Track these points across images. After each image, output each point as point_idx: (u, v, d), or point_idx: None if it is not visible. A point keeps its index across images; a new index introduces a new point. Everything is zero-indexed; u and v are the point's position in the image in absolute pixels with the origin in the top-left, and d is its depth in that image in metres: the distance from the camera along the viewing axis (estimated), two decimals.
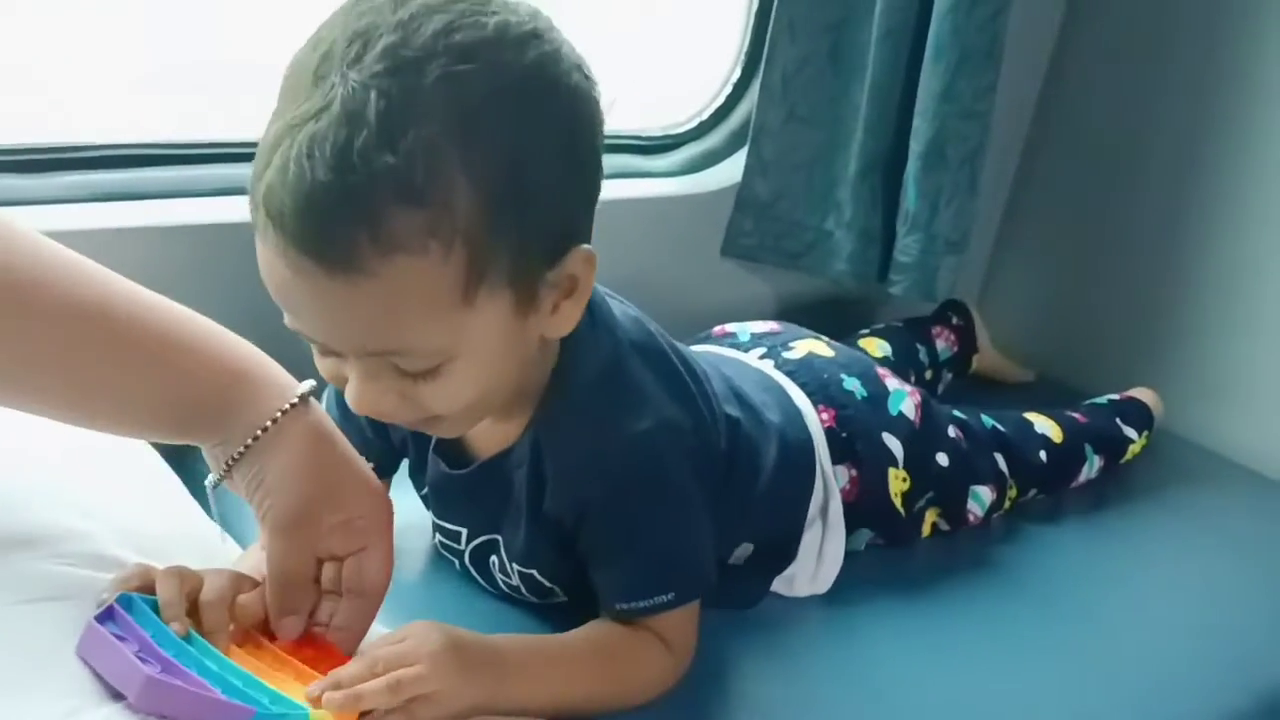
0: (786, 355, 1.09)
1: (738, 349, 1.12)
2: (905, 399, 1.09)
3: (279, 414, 0.70)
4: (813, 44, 1.35)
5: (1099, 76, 1.56)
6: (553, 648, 0.81)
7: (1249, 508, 1.30)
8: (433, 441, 0.86)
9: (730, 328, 1.17)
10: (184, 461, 0.94)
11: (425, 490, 0.91)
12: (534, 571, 0.86)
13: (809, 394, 1.04)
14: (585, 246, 0.71)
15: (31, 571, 0.69)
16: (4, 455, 0.79)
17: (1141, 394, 1.38)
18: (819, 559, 1.00)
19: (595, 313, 0.80)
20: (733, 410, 0.92)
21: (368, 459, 0.86)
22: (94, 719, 0.60)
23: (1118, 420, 1.32)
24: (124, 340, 0.67)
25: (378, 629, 0.76)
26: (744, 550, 0.96)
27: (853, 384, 1.07)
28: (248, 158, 1.13)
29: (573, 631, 0.83)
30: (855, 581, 1.01)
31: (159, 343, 0.68)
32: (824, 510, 1.01)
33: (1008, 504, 1.18)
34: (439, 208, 0.62)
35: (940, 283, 1.39)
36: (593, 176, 0.72)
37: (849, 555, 1.02)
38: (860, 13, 1.33)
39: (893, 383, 1.11)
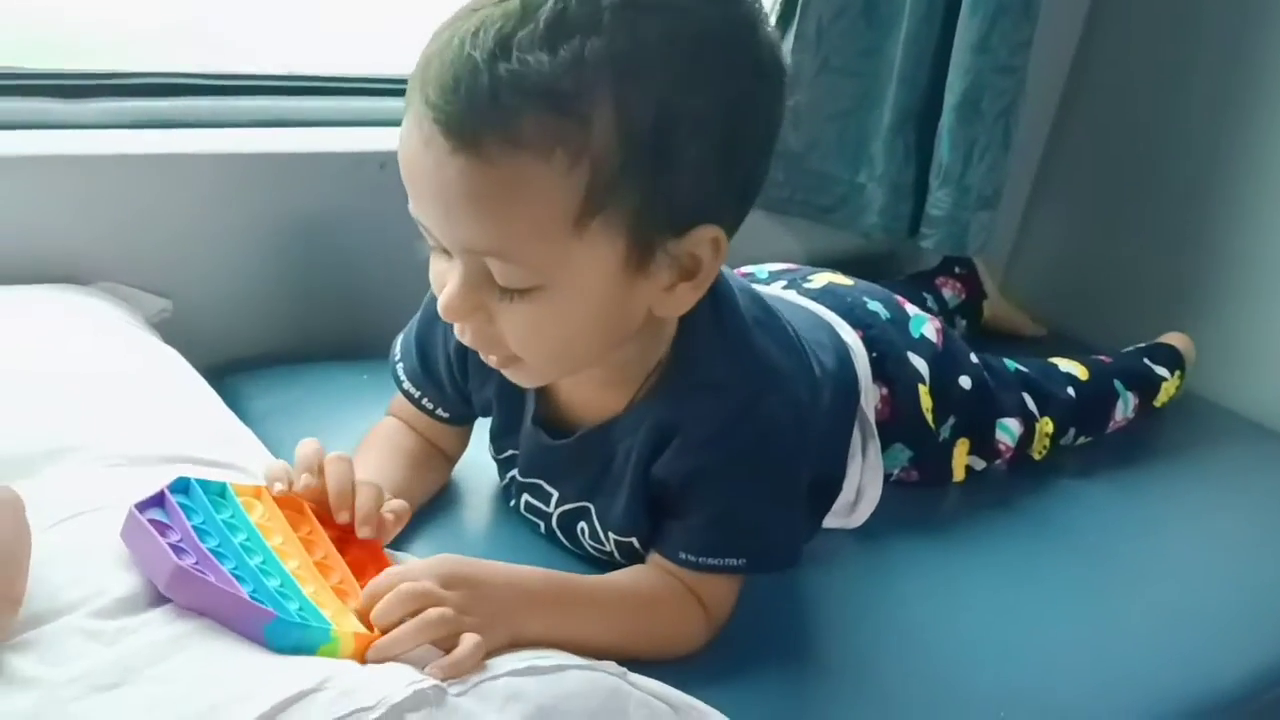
0: (807, 285, 1.10)
1: (758, 285, 1.10)
2: (926, 323, 1.10)
3: None
4: None
5: (1135, 33, 1.55)
6: (584, 589, 0.79)
7: (1274, 468, 1.30)
8: (530, 412, 0.85)
9: (748, 269, 1.17)
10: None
11: (507, 454, 0.90)
12: (633, 540, 0.85)
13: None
14: (716, 228, 0.70)
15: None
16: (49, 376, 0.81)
17: (1171, 338, 1.38)
18: (857, 494, 1.00)
19: (716, 289, 0.77)
20: (817, 368, 0.90)
21: (440, 409, 0.89)
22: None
23: (1146, 360, 1.32)
24: None
25: None
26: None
27: (876, 306, 1.08)
28: (285, 90, 1.16)
29: (609, 575, 0.82)
30: (888, 519, 1.01)
31: None
32: (864, 448, 1.00)
33: (1045, 442, 1.18)
34: (576, 122, 0.62)
35: (972, 237, 1.39)
36: (750, 164, 0.71)
37: (884, 487, 1.02)
38: None
39: (912, 309, 1.11)
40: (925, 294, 1.40)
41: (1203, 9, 1.48)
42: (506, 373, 0.77)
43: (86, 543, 0.66)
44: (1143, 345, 1.37)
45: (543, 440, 0.85)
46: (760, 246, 1.44)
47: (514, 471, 0.90)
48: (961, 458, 1.12)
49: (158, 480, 0.68)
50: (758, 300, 0.84)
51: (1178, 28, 1.50)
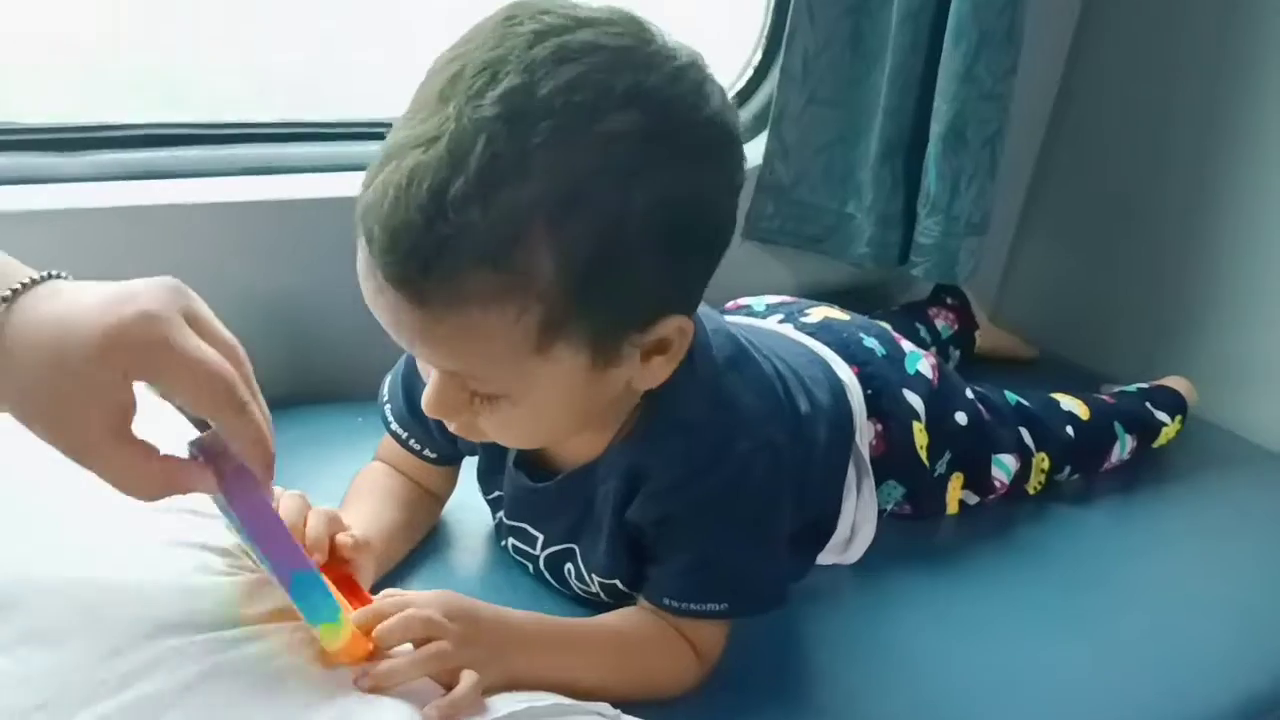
0: (803, 320, 1.10)
1: (754, 318, 1.12)
2: (921, 359, 1.10)
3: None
4: (833, 28, 1.35)
5: (1120, 60, 1.57)
6: (576, 631, 0.81)
7: (1275, 491, 1.30)
8: (512, 455, 0.86)
9: (744, 300, 1.18)
10: None
11: (495, 495, 0.91)
12: (616, 582, 0.86)
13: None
14: (680, 318, 0.71)
15: None
16: None
17: (1174, 382, 1.38)
18: (852, 530, 1.01)
19: (699, 341, 0.78)
20: (804, 405, 0.91)
21: (427, 450, 0.91)
22: None
23: (1147, 404, 1.32)
24: None
25: None
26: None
27: (871, 342, 1.08)
28: (272, 138, 1.17)
29: (600, 617, 0.83)
30: (883, 553, 1.02)
31: None
32: (859, 484, 1.01)
33: (1040, 478, 1.18)
34: (517, 274, 0.62)
35: (961, 264, 1.40)
36: (705, 255, 0.71)
37: (878, 521, 1.03)
38: None
39: (907, 345, 1.12)
40: (918, 325, 1.41)
41: (1187, 35, 1.49)
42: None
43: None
44: (1145, 386, 1.37)
45: (524, 483, 0.86)
46: (752, 277, 1.46)
47: (501, 513, 0.91)
48: (955, 491, 1.12)
49: (155, 523, 0.71)
50: (733, 340, 0.84)
51: (1163, 52, 1.51)
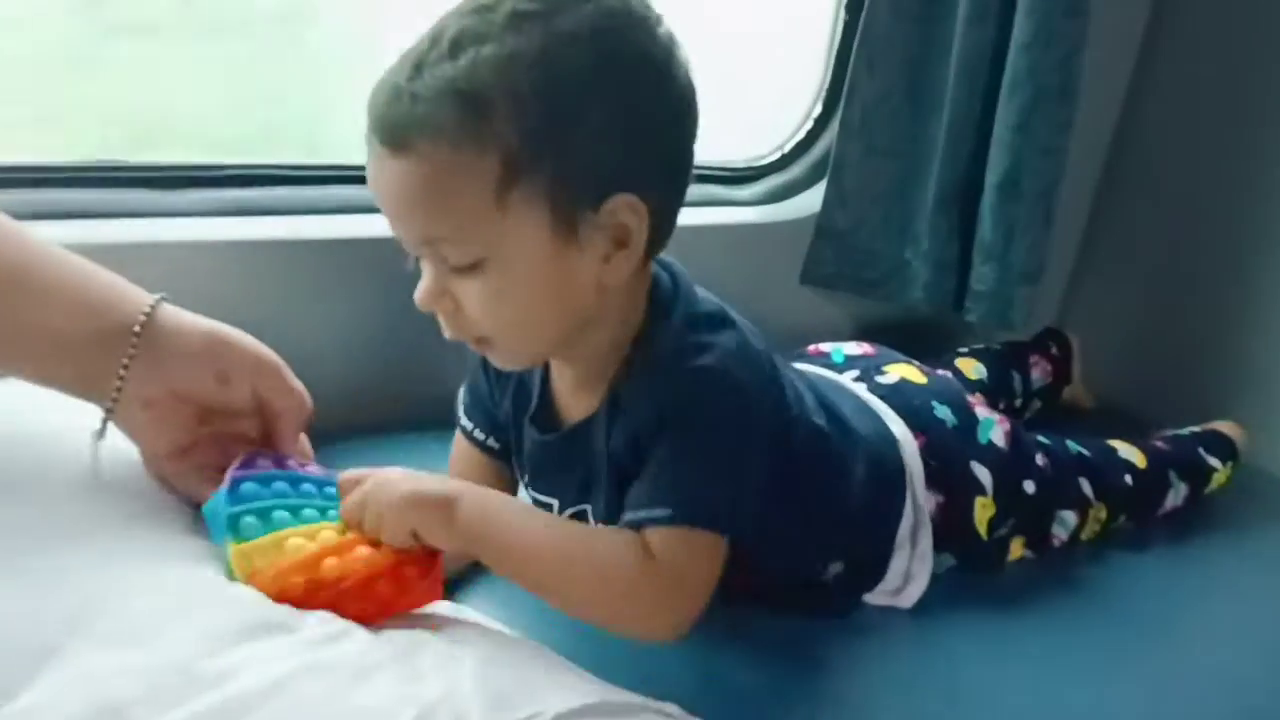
0: (879, 379, 1.12)
1: (831, 369, 1.14)
2: (994, 427, 1.10)
3: (141, 320, 0.75)
4: (891, 80, 1.40)
5: (1175, 111, 1.59)
6: (521, 508, 0.86)
7: None
8: (530, 410, 0.93)
9: (824, 347, 1.20)
10: None
11: (523, 462, 0.96)
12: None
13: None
14: (633, 196, 0.78)
15: None
16: None
17: (1225, 427, 1.38)
18: (905, 579, 1.02)
19: (683, 297, 0.87)
20: (820, 421, 0.94)
21: (490, 439, 0.98)
22: None
23: (1200, 450, 1.32)
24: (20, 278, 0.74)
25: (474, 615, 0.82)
26: (835, 568, 0.98)
27: (944, 412, 1.09)
28: (354, 180, 1.23)
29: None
30: (939, 594, 1.03)
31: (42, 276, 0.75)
32: (914, 535, 1.02)
33: (1096, 527, 1.19)
34: (480, 110, 0.73)
35: (1015, 311, 1.42)
36: (653, 138, 0.79)
37: (931, 575, 1.04)
38: (938, 50, 1.39)
39: (982, 411, 1.12)
40: (1015, 372, 1.41)
41: (1243, 86, 1.51)
42: (493, 358, 0.86)
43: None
44: (1197, 430, 1.37)
45: (535, 436, 0.92)
46: (810, 317, 1.50)
47: (531, 491, 0.96)
48: (1016, 552, 1.13)
49: None
50: (724, 314, 0.89)
51: (1218, 103, 1.54)
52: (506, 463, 0.99)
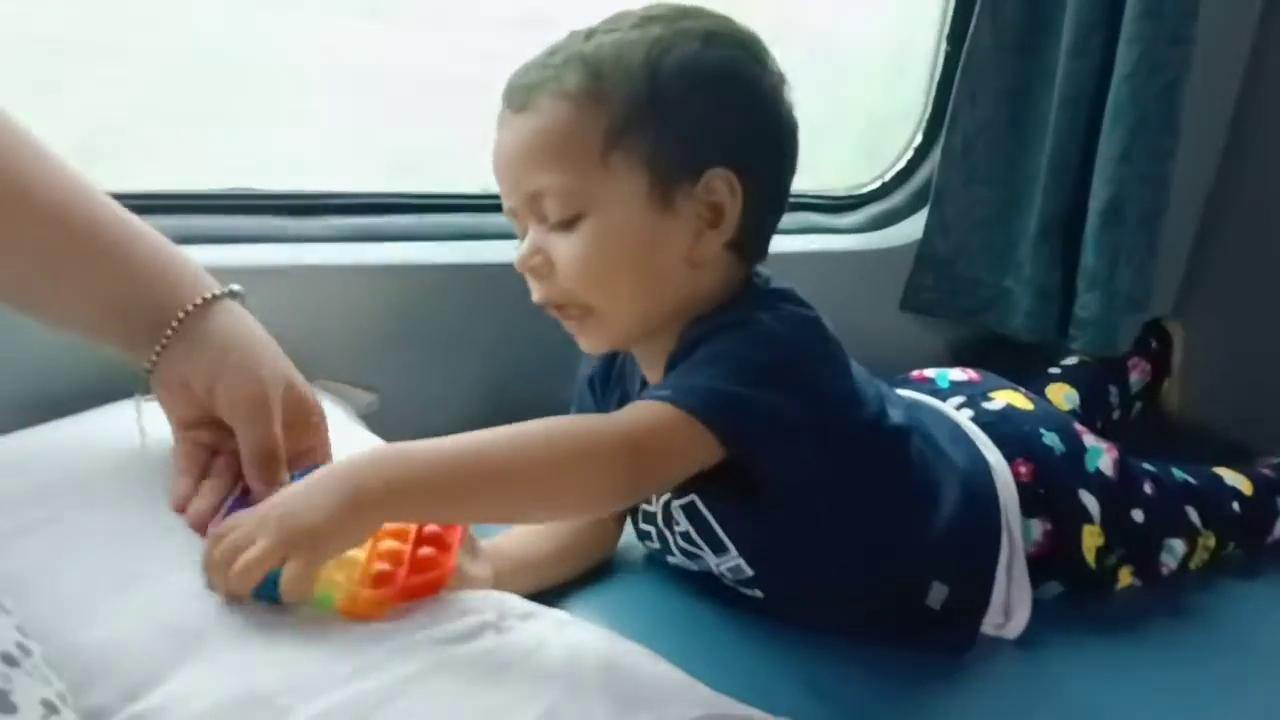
0: (986, 405, 1.12)
1: (936, 395, 1.15)
2: (1103, 455, 1.10)
3: (189, 308, 0.81)
4: (993, 111, 1.42)
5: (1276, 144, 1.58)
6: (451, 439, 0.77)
7: None
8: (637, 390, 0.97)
9: (929, 373, 1.20)
10: None
11: None
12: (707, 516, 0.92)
13: (1006, 445, 1.05)
14: (728, 171, 0.85)
15: None
16: None
17: None
18: (1006, 614, 1.02)
19: (750, 287, 0.92)
20: (901, 420, 0.95)
21: None
22: None
23: None
24: (90, 240, 0.80)
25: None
26: (939, 592, 0.97)
27: (1052, 439, 1.09)
28: (479, 208, 1.28)
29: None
30: (1047, 622, 1.02)
31: (114, 241, 0.81)
32: (1010, 567, 1.01)
33: (1205, 555, 1.17)
34: (596, 75, 0.83)
35: (1122, 337, 1.42)
36: (749, 119, 0.88)
37: (1038, 602, 1.03)
38: (1040, 81, 1.40)
39: (1090, 439, 1.11)
40: (1112, 385, 1.42)
41: None
42: (581, 335, 0.90)
43: None
44: None
45: None
46: (909, 342, 1.52)
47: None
48: (1124, 580, 1.11)
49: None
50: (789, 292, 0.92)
51: None
52: None
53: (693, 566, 0.99)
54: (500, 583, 0.86)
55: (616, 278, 0.86)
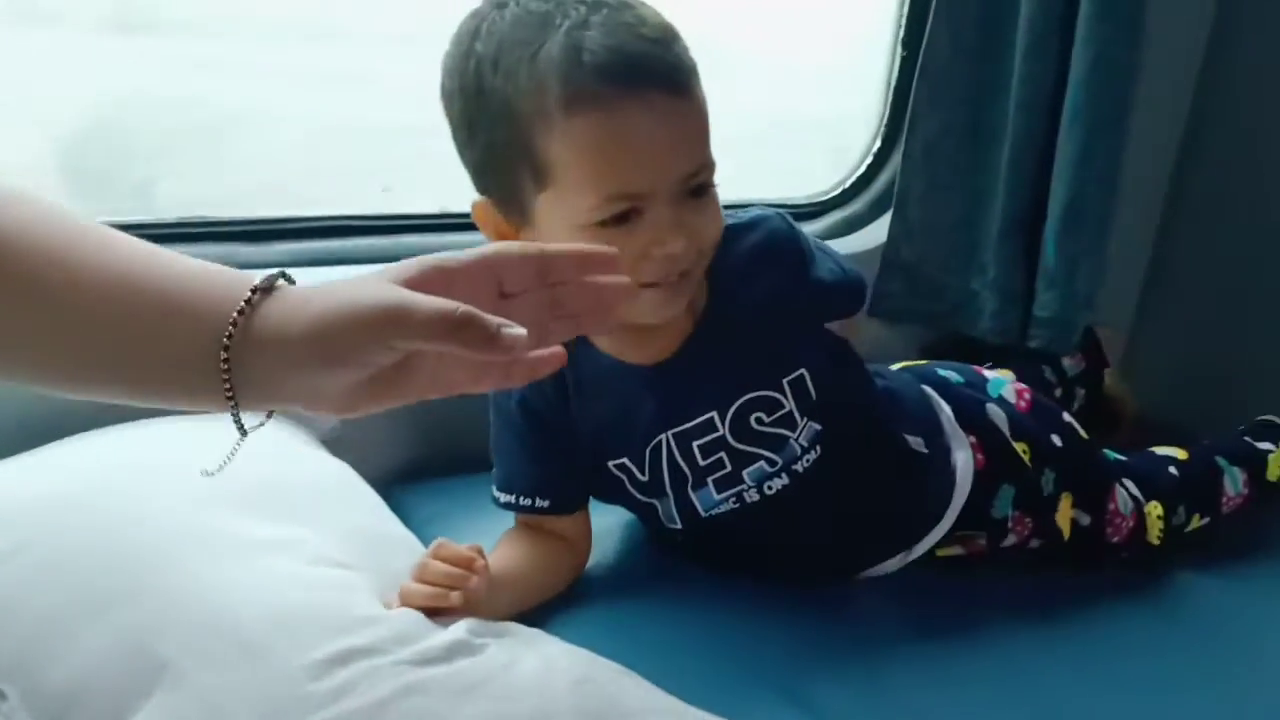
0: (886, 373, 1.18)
1: None
2: (1006, 385, 1.18)
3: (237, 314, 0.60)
4: (952, 116, 1.43)
5: (1236, 137, 1.60)
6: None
7: None
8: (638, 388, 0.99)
9: None
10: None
11: (652, 443, 1.00)
12: (802, 372, 0.99)
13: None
14: None
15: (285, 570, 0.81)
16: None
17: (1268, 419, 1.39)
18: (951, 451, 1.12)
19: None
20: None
21: (539, 500, 1.02)
22: None
23: (1246, 437, 1.34)
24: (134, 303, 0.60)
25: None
26: (916, 442, 1.08)
27: (948, 373, 1.19)
28: (437, 228, 1.27)
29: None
30: (1010, 614, 1.06)
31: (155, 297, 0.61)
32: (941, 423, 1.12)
33: (1160, 525, 1.19)
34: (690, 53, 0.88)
35: (1073, 337, 1.45)
36: None
37: (996, 582, 1.09)
38: (998, 85, 1.41)
39: (992, 374, 1.20)
40: (1045, 366, 1.45)
41: None
42: (674, 296, 0.91)
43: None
44: (1241, 428, 1.38)
45: (658, 368, 0.98)
46: (875, 345, 1.51)
47: (662, 437, 0.99)
48: (1066, 511, 1.15)
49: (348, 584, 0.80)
50: None
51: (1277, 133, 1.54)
52: (561, 514, 1.03)
53: (716, 498, 1.01)
54: (482, 603, 0.88)
55: (720, 236, 0.93)
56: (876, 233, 1.50)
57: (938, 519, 1.09)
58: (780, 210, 1.02)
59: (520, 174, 0.86)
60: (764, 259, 0.98)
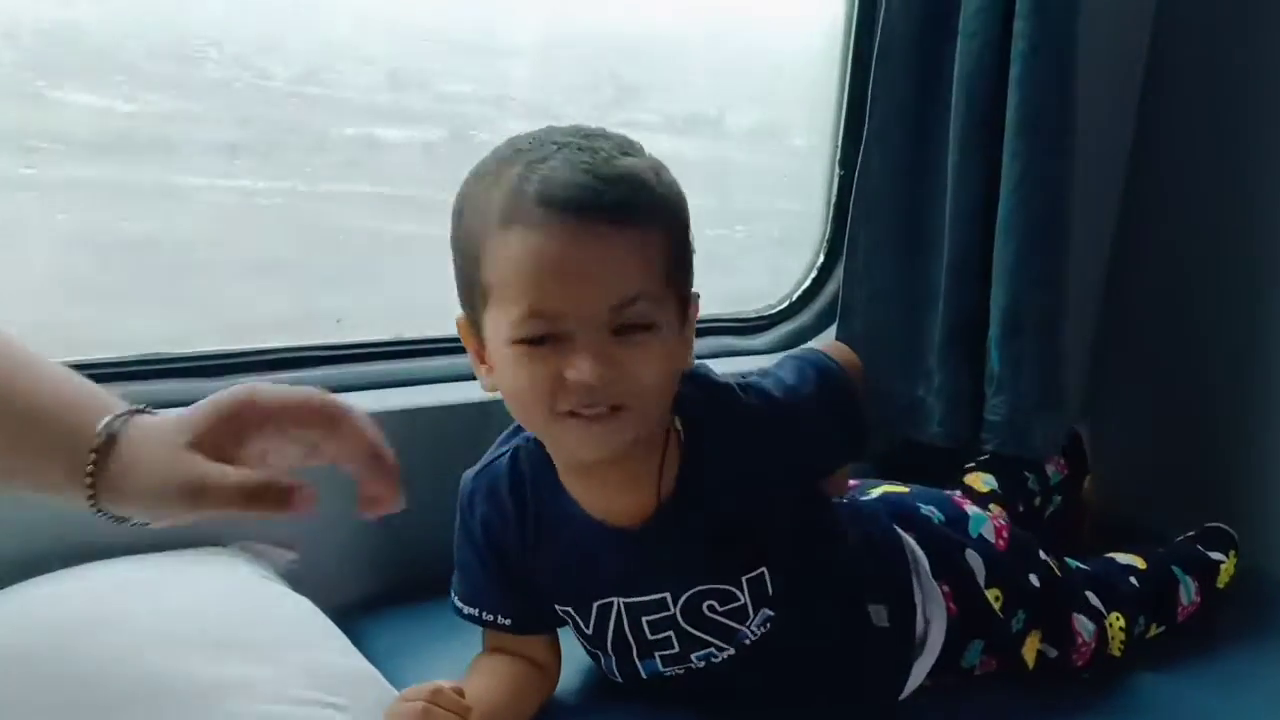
0: (864, 499, 1.18)
1: None
2: (986, 523, 1.17)
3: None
4: (889, 229, 1.47)
5: (1162, 243, 1.66)
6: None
7: None
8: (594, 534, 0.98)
9: None
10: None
11: (600, 602, 1.00)
12: (763, 571, 0.97)
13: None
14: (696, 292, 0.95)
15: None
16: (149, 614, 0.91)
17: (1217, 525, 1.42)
18: (926, 624, 1.10)
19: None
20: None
21: (501, 618, 1.02)
22: None
23: (1198, 546, 1.37)
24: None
25: None
26: (879, 612, 1.07)
27: (929, 510, 1.17)
28: (386, 355, 1.27)
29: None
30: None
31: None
32: (919, 577, 1.11)
33: (1122, 636, 1.21)
34: (667, 205, 0.89)
35: (1035, 438, 1.45)
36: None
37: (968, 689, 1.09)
38: (932, 198, 1.45)
39: (972, 509, 1.19)
40: (1028, 473, 1.46)
41: (1238, 195, 1.58)
42: (606, 431, 0.88)
43: None
44: (1191, 534, 1.42)
45: (621, 534, 0.97)
46: None
47: (614, 600, 0.99)
48: (1033, 645, 1.16)
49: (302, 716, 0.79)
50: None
51: (1213, 216, 1.60)
52: (524, 634, 1.03)
53: (661, 669, 1.02)
54: None
55: (668, 384, 0.92)
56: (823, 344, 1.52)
57: (901, 685, 1.09)
58: (761, 376, 1.04)
59: (475, 291, 0.89)
60: (756, 431, 0.99)
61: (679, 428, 0.97)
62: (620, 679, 1.04)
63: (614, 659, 1.02)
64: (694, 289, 0.95)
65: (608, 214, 0.84)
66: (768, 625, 1.00)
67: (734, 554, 0.98)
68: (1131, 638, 1.22)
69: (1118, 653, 1.21)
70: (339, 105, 1.33)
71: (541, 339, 0.86)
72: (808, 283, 1.59)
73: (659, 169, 0.90)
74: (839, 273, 1.52)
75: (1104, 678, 1.19)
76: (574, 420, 0.87)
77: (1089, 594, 1.21)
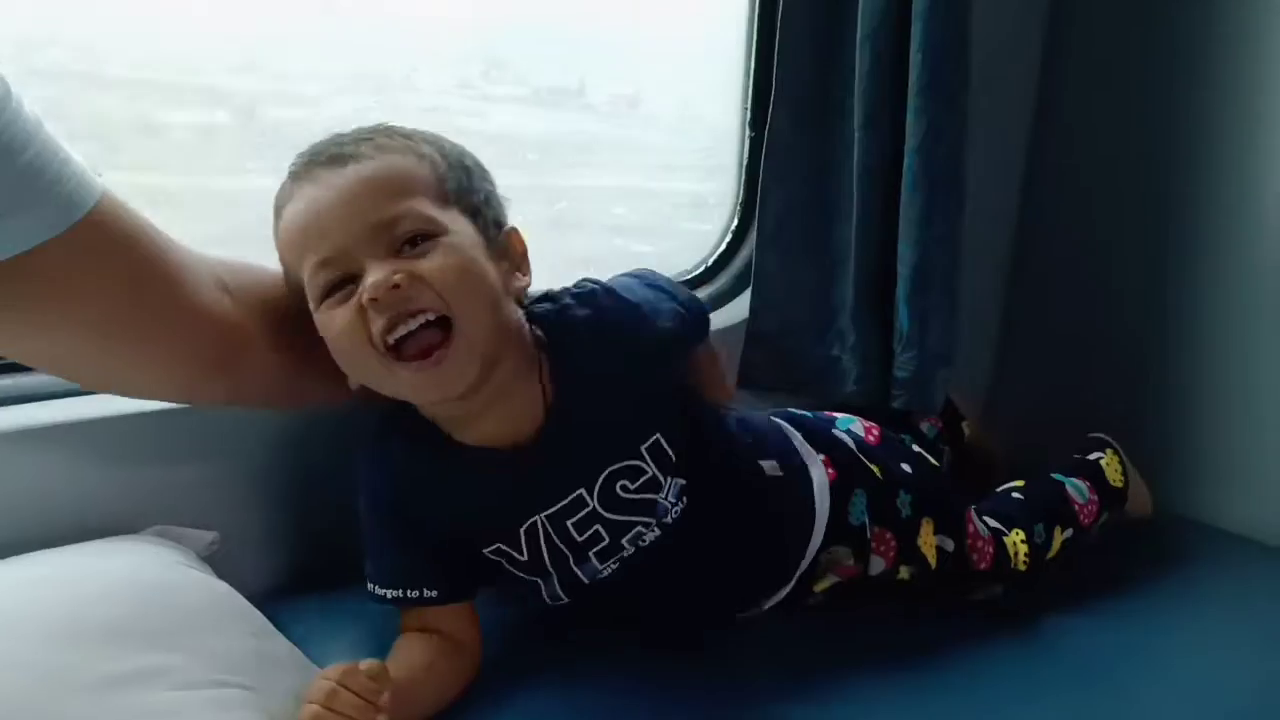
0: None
1: None
2: (855, 422, 1.24)
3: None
4: (799, 191, 1.49)
5: (1068, 198, 1.70)
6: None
7: (1251, 574, 1.39)
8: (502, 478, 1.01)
9: None
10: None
11: (526, 523, 1.02)
12: (657, 436, 1.03)
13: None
14: (514, 228, 1.01)
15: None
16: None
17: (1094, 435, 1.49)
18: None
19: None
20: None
21: (427, 590, 1.03)
22: None
23: (1074, 455, 1.44)
24: None
25: None
26: (772, 467, 1.14)
27: (799, 414, 1.26)
28: None
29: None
30: (876, 656, 1.11)
31: None
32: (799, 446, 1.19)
33: (1025, 549, 1.25)
34: (416, 147, 0.95)
35: (936, 393, 1.49)
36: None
37: (871, 631, 1.15)
38: (840, 157, 1.47)
39: (841, 415, 1.26)
40: (904, 435, 1.47)
41: (1138, 165, 1.62)
42: (445, 361, 0.91)
43: None
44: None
45: (517, 454, 1.00)
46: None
47: (535, 519, 1.02)
48: (929, 538, 1.20)
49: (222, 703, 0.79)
50: None
51: (1114, 187, 1.65)
52: (452, 602, 1.04)
53: (599, 567, 1.04)
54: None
55: (480, 285, 0.93)
56: (740, 308, 1.55)
57: (805, 541, 1.13)
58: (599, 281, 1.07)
59: (304, 297, 0.95)
60: (601, 332, 1.03)
61: (543, 343, 1.01)
62: (566, 598, 1.06)
63: (555, 576, 1.04)
64: (510, 224, 1.01)
65: (348, 154, 0.93)
66: (683, 499, 1.04)
67: (626, 429, 1.03)
68: (1034, 547, 1.27)
69: (1023, 567, 1.25)
70: None
71: (339, 283, 0.91)
72: (723, 247, 1.60)
73: (409, 132, 0.97)
74: (752, 236, 1.53)
75: (1008, 617, 1.22)
76: (404, 367, 0.91)
77: (985, 517, 1.26)
